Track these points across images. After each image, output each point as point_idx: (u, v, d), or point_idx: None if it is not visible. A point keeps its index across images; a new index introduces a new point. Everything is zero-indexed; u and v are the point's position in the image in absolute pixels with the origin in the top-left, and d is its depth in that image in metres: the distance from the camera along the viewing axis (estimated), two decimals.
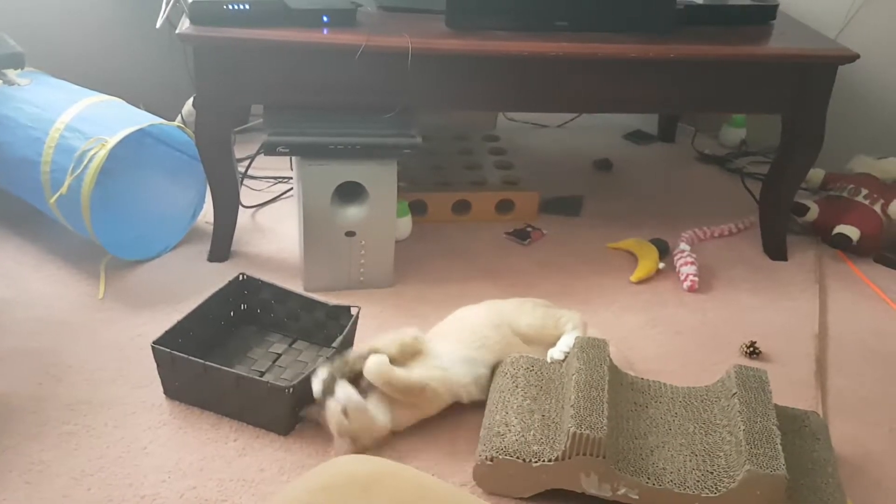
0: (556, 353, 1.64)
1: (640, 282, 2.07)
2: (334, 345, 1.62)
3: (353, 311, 1.71)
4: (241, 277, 1.78)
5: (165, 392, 1.60)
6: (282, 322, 1.78)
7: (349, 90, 1.86)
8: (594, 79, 1.94)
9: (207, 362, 1.53)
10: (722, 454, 1.42)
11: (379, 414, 1.51)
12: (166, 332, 1.58)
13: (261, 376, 1.63)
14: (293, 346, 1.76)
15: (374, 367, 1.50)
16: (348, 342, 1.67)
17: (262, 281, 1.77)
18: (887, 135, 2.55)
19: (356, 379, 1.53)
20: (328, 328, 1.72)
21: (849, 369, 1.82)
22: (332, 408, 1.47)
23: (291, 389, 1.49)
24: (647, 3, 1.95)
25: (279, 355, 1.72)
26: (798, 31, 2.10)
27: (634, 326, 1.91)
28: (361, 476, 1.08)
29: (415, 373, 1.54)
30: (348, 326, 1.66)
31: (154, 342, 1.56)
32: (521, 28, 1.90)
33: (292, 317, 1.77)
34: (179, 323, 1.61)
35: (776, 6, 2.12)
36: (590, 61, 1.90)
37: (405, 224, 2.15)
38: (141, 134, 1.90)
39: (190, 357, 1.53)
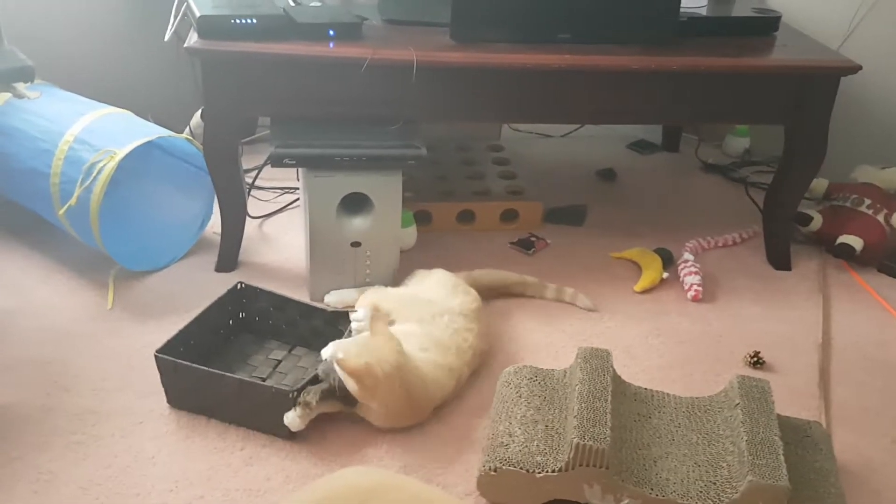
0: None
1: (644, 291, 2.08)
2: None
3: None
4: (239, 286, 1.79)
5: (169, 401, 1.61)
6: (280, 329, 1.80)
7: (355, 102, 1.88)
8: (597, 90, 1.96)
9: (211, 369, 1.56)
10: (725, 465, 1.43)
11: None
12: (168, 341, 1.60)
13: (262, 382, 1.65)
14: (292, 352, 1.78)
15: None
16: None
17: (260, 289, 1.79)
18: (890, 145, 2.56)
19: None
20: (327, 335, 1.74)
21: (851, 379, 1.83)
22: (335, 369, 1.51)
23: (295, 393, 1.51)
24: (650, 15, 1.96)
25: (279, 361, 1.75)
26: (800, 42, 2.12)
27: (637, 336, 1.92)
28: (363, 487, 1.10)
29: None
30: (347, 331, 1.68)
31: (157, 351, 1.58)
32: (524, 40, 1.92)
33: (290, 324, 1.79)
34: (181, 332, 1.63)
35: (779, 17, 2.13)
36: (592, 73, 1.92)
37: (410, 234, 2.16)
38: (149, 146, 1.92)
39: (193, 364, 1.56)
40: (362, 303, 1.75)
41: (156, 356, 1.57)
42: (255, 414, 1.55)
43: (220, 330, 1.76)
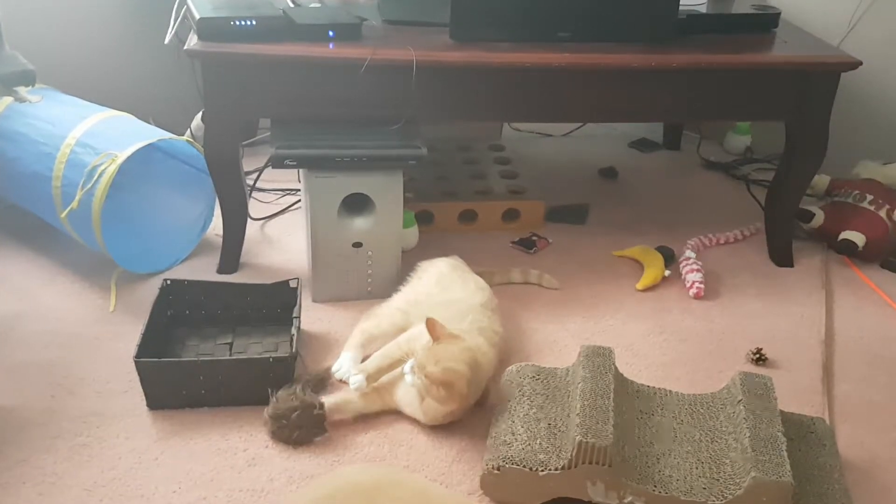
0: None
1: (646, 289, 2.08)
2: (295, 314, 1.74)
3: (293, 283, 1.82)
4: (165, 283, 1.80)
5: (149, 404, 1.61)
6: (215, 315, 1.83)
7: (355, 103, 1.88)
8: (597, 89, 1.96)
9: (202, 357, 1.63)
10: (728, 461, 1.42)
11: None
12: (139, 346, 1.59)
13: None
14: (237, 333, 1.81)
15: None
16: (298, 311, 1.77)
17: (187, 281, 1.82)
18: (892, 140, 2.56)
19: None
20: (267, 308, 1.81)
21: (855, 375, 1.83)
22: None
23: (296, 355, 1.62)
24: (649, 13, 1.96)
25: (231, 344, 1.78)
26: (800, 38, 2.11)
27: (640, 334, 1.92)
28: (366, 485, 1.10)
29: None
30: (298, 298, 1.78)
31: (135, 356, 1.57)
32: (523, 39, 1.92)
33: (226, 308, 1.83)
34: (143, 337, 1.62)
35: (778, 14, 2.13)
36: (593, 71, 1.92)
37: (412, 234, 2.17)
38: (150, 148, 1.93)
39: (183, 359, 1.61)
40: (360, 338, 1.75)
41: (136, 361, 1.57)
42: (251, 389, 1.60)
43: (161, 331, 1.76)
